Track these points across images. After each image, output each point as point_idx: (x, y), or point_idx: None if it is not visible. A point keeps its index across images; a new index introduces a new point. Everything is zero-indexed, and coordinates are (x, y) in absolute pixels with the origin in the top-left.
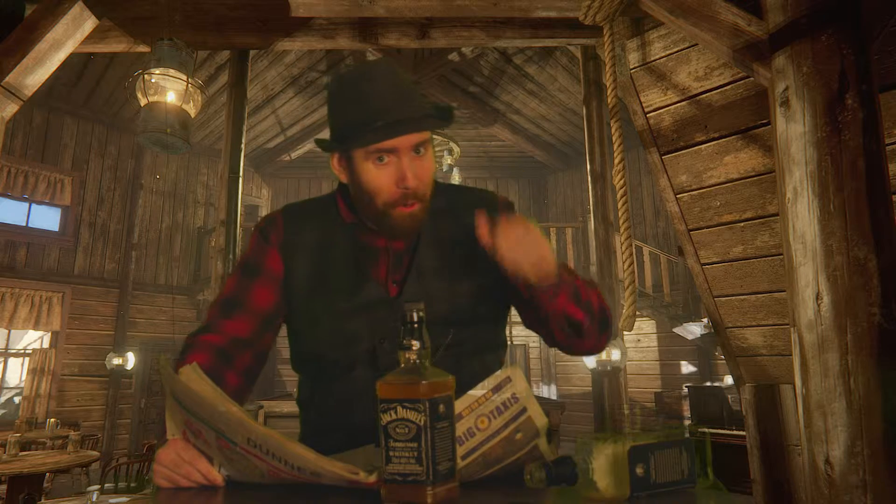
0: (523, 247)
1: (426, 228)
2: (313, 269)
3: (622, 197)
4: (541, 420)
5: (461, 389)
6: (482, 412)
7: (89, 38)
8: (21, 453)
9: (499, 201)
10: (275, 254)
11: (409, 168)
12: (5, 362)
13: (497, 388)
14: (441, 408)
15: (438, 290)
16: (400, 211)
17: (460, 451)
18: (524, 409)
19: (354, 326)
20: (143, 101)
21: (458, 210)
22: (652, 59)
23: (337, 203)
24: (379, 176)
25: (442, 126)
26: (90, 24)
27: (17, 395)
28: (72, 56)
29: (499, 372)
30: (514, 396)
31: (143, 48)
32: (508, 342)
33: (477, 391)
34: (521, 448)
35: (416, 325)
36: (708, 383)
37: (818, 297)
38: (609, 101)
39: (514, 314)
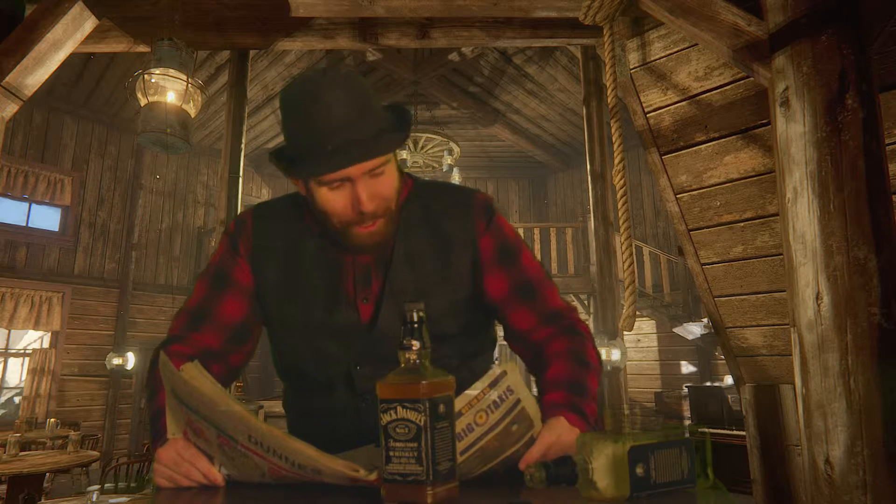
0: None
1: (399, 240)
2: (284, 281)
3: (622, 197)
4: (534, 409)
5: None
6: (480, 408)
7: (89, 38)
8: (21, 453)
9: (476, 208)
10: (243, 265)
11: (364, 191)
12: (5, 362)
13: (493, 384)
14: (441, 408)
15: None
16: (359, 230)
17: (460, 446)
18: (518, 401)
19: (329, 347)
20: (143, 101)
21: (434, 218)
22: (652, 59)
23: (304, 210)
24: (334, 199)
25: (396, 145)
26: (90, 24)
27: (17, 395)
28: (72, 56)
29: (495, 369)
30: (509, 389)
31: (143, 48)
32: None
33: (474, 389)
34: (518, 440)
35: (416, 325)
36: (708, 383)
37: (818, 297)
38: (609, 101)
39: None
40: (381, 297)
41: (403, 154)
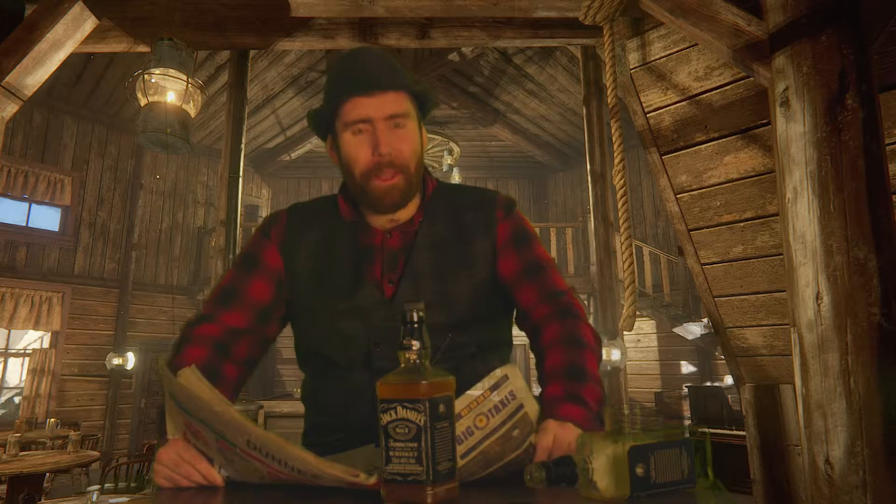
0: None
1: (423, 228)
2: (313, 269)
3: (622, 197)
4: (535, 413)
5: (462, 391)
6: (481, 411)
7: (89, 38)
8: (21, 453)
9: (497, 201)
10: (273, 250)
11: (383, 135)
12: (5, 362)
13: (495, 387)
14: (441, 408)
15: (434, 292)
16: (377, 182)
17: (459, 449)
18: (521, 406)
19: (351, 328)
20: (143, 101)
21: (457, 210)
22: (652, 59)
23: (338, 201)
24: (356, 145)
25: (405, 88)
26: (90, 24)
27: (17, 395)
28: (72, 56)
29: (496, 371)
30: (512, 394)
31: (143, 48)
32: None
33: (475, 391)
34: (520, 445)
35: (416, 325)
36: (708, 383)
37: (818, 297)
38: (609, 101)
39: None
40: (402, 274)
41: None
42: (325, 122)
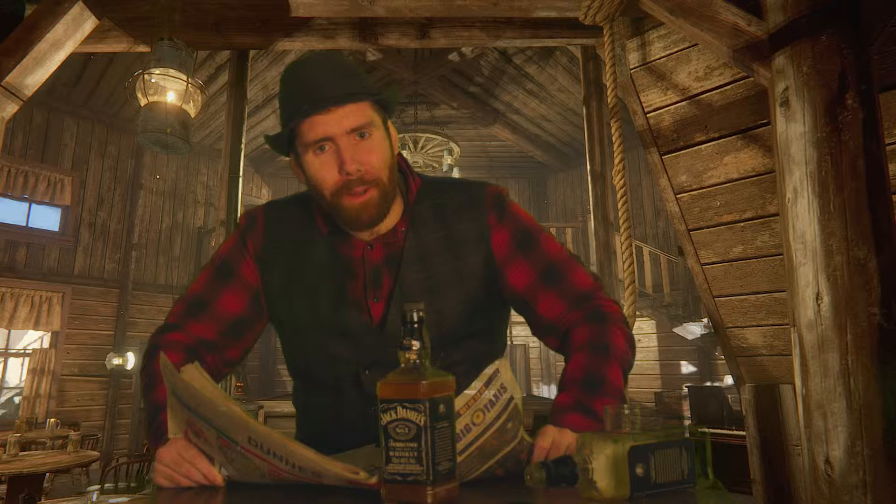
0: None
1: (409, 239)
2: (293, 281)
3: (622, 197)
4: (521, 402)
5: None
6: (478, 407)
7: (89, 38)
8: (21, 453)
9: (486, 201)
10: (251, 262)
11: (347, 152)
12: (5, 362)
13: (488, 382)
14: (441, 408)
15: (427, 312)
16: (349, 201)
17: (458, 446)
18: (511, 398)
19: (338, 349)
20: (143, 101)
21: (445, 214)
22: (652, 59)
23: (313, 212)
24: (321, 166)
25: (364, 98)
26: (90, 24)
27: (17, 395)
28: (72, 56)
29: (488, 368)
30: (503, 387)
31: (143, 48)
32: (508, 342)
33: (471, 389)
34: (514, 437)
35: (416, 325)
36: (708, 383)
37: (818, 297)
38: (609, 101)
39: (514, 314)
40: (391, 298)
41: (403, 153)
42: (284, 143)
